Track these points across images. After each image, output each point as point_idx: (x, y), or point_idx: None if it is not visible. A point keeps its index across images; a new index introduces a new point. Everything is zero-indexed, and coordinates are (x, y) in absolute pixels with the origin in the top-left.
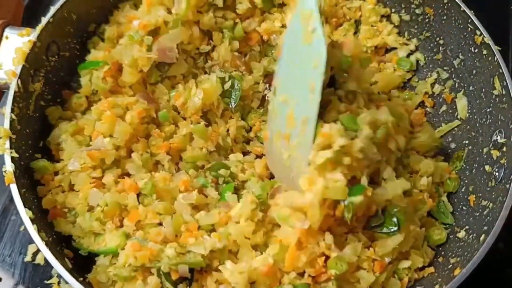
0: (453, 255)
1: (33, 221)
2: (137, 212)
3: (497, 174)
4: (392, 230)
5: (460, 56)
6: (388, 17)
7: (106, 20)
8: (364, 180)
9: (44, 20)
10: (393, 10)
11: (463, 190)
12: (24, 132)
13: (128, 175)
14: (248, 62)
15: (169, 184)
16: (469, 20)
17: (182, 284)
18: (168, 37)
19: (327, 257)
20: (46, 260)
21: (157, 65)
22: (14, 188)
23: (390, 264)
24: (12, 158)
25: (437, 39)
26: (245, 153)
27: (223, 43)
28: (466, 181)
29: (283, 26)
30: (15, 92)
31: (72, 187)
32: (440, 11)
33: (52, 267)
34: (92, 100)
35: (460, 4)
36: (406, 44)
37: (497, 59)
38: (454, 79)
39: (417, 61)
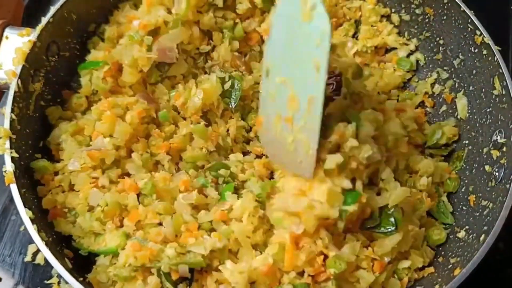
0: (453, 255)
1: (33, 221)
2: (137, 212)
3: (497, 174)
4: (389, 230)
5: (460, 56)
6: (388, 17)
7: (106, 20)
8: (359, 185)
9: (44, 20)
10: (393, 10)
11: (463, 190)
12: (24, 132)
13: (128, 175)
14: (248, 62)
15: (169, 184)
16: (469, 20)
17: (182, 284)
18: (168, 37)
19: (326, 256)
20: (46, 260)
21: (157, 65)
22: (14, 188)
23: (389, 264)
24: (12, 158)
25: (437, 39)
26: (245, 153)
27: (223, 43)
28: (466, 181)
29: None
30: (15, 92)
31: (72, 187)
32: (440, 11)
33: (52, 267)
34: (92, 100)
35: (460, 4)
36: (406, 44)
37: (497, 59)
38: (454, 79)
39: (417, 61)
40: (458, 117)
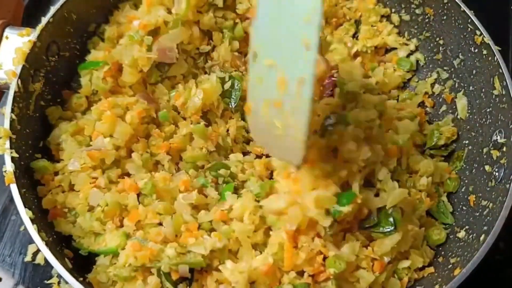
0: (453, 255)
1: (33, 221)
2: (137, 212)
3: (497, 174)
4: (388, 229)
5: (460, 56)
6: (388, 17)
7: (106, 20)
8: (355, 187)
9: (44, 20)
10: (393, 10)
11: (463, 190)
12: (24, 132)
13: (128, 175)
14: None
15: (169, 184)
16: (469, 20)
17: (182, 284)
18: (168, 37)
19: (326, 256)
20: (46, 260)
21: (157, 65)
22: (14, 188)
23: (389, 263)
24: (12, 158)
25: (437, 39)
26: (245, 153)
27: (223, 43)
28: (466, 181)
29: None
30: (15, 92)
31: (72, 187)
32: (440, 11)
33: (52, 267)
34: (92, 100)
35: (460, 4)
36: (406, 44)
37: (497, 59)
38: (454, 79)
39: (417, 61)
40: (458, 117)
